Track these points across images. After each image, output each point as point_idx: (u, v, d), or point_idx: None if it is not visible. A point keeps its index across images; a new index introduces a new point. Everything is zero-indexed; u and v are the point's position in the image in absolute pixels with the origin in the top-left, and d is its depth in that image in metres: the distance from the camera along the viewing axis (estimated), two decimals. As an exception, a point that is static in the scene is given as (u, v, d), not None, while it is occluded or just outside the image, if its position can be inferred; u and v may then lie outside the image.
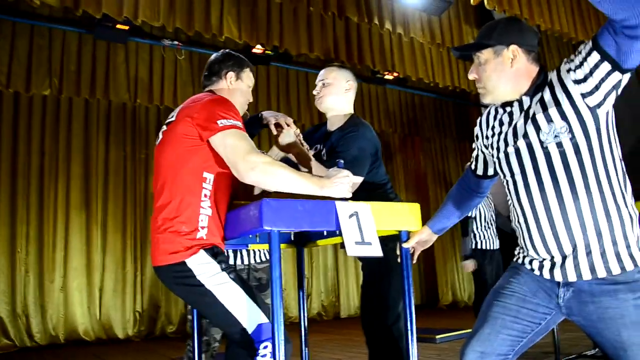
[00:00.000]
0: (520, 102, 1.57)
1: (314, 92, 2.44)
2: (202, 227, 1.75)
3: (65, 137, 6.91)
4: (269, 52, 6.96)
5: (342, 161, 1.90)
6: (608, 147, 1.44)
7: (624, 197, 1.44)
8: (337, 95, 2.40)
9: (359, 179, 2.18)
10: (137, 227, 7.26)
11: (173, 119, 1.87)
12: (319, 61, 7.41)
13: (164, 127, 1.89)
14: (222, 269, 1.73)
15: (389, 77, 7.99)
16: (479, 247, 4.49)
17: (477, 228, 4.54)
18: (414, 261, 1.94)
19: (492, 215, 4.60)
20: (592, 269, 1.42)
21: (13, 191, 6.52)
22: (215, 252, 1.76)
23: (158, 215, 1.80)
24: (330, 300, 8.73)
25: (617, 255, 1.41)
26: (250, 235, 2.12)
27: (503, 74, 1.55)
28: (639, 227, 1.44)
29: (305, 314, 2.42)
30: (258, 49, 6.84)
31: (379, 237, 1.75)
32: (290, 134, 2.18)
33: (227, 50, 2.11)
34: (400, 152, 9.93)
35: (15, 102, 6.59)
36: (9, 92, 6.32)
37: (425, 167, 10.02)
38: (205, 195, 1.77)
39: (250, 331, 1.70)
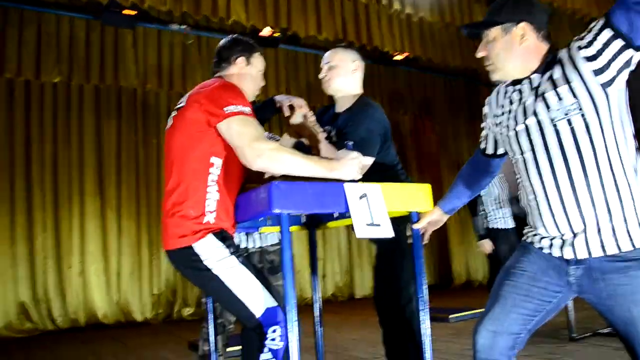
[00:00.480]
0: (530, 80, 1.56)
1: (320, 76, 2.43)
2: (210, 212, 1.77)
3: (77, 124, 6.96)
4: (277, 34, 6.93)
5: (351, 143, 1.89)
6: (620, 125, 1.42)
7: (635, 174, 1.43)
8: (344, 76, 2.38)
9: (368, 160, 2.17)
10: (151, 212, 7.33)
11: (183, 104, 1.87)
12: (327, 43, 7.36)
13: (174, 112, 1.90)
14: (231, 253, 1.75)
15: (398, 57, 7.92)
16: (492, 226, 4.46)
17: (489, 206, 4.51)
18: (425, 241, 1.95)
19: (507, 194, 4.55)
20: (603, 246, 1.42)
21: (28, 179, 6.61)
22: (223, 236, 1.77)
23: (167, 199, 1.82)
24: (344, 281, 8.79)
25: (628, 232, 1.40)
26: (261, 218, 2.14)
27: (512, 51, 1.54)
28: None
29: (319, 295, 2.45)
30: (266, 32, 6.81)
31: (390, 218, 1.76)
32: (301, 115, 2.18)
33: (235, 36, 2.10)
34: (411, 133, 9.87)
35: (26, 91, 6.65)
36: (19, 80, 6.38)
37: (436, 147, 9.97)
38: (213, 180, 1.78)
39: (258, 315, 1.72)
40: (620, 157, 1.41)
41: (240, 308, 1.73)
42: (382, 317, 2.44)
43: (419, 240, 1.92)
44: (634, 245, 1.40)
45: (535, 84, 1.53)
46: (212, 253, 1.73)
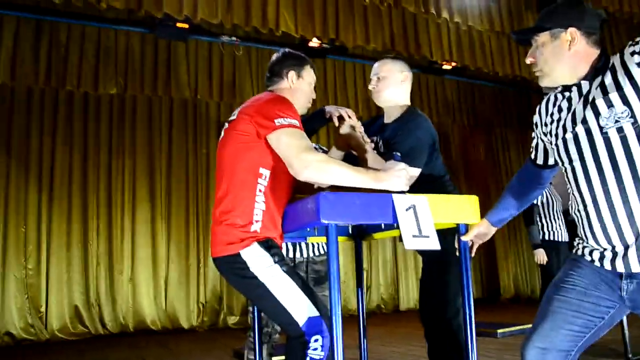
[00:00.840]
0: (579, 87, 1.52)
1: (370, 87, 2.44)
2: (257, 221, 1.80)
3: (130, 134, 7.20)
4: (326, 45, 6.98)
5: (398, 154, 1.90)
6: None
7: None
8: (393, 87, 2.38)
9: (416, 172, 2.16)
10: (199, 221, 7.48)
11: (234, 117, 1.93)
12: (375, 53, 7.37)
13: (226, 125, 1.96)
14: (275, 262, 1.77)
15: (447, 67, 7.83)
16: (546, 237, 4.35)
17: (543, 218, 4.40)
18: (473, 254, 1.92)
19: (560, 206, 4.43)
20: None
21: (84, 187, 6.87)
22: (269, 245, 1.80)
23: (217, 208, 1.87)
24: (389, 293, 8.70)
25: None
26: (309, 229, 2.15)
27: (560, 56, 1.51)
28: None
29: (364, 307, 2.43)
30: (314, 43, 6.87)
31: (437, 230, 1.74)
32: (348, 125, 2.19)
33: (286, 50, 2.14)
34: (460, 143, 9.72)
35: (84, 102, 6.93)
36: (79, 92, 6.66)
37: (485, 158, 9.78)
38: (260, 190, 1.82)
39: (301, 324, 1.73)
40: None
41: (283, 316, 1.75)
42: (427, 330, 2.41)
43: (466, 253, 1.88)
44: None
45: (584, 91, 1.50)
46: (257, 261, 1.76)
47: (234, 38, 6.84)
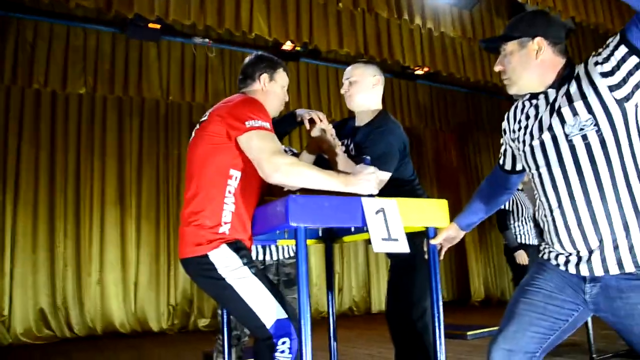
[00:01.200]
0: (546, 94, 1.56)
1: (342, 91, 2.45)
2: (225, 222, 1.80)
3: (100, 135, 7.09)
4: (299, 48, 6.99)
5: (368, 158, 1.90)
6: (638, 140, 1.41)
7: None
8: (365, 92, 2.39)
9: (386, 176, 2.17)
10: (170, 223, 7.40)
11: (206, 118, 1.92)
12: (348, 57, 7.40)
13: (197, 126, 1.95)
14: (244, 264, 1.77)
15: (419, 72, 7.92)
16: (518, 240, 4.45)
17: (514, 222, 4.50)
18: (441, 257, 1.94)
19: (529, 212, 4.54)
20: (620, 264, 1.40)
21: (51, 188, 6.73)
22: (237, 247, 1.79)
23: (185, 208, 1.87)
24: (361, 295, 8.75)
25: None
26: (278, 231, 2.15)
27: (527, 65, 1.55)
28: None
29: (334, 309, 2.44)
30: (288, 46, 6.87)
31: (406, 233, 1.75)
32: (319, 128, 2.20)
33: (260, 53, 2.14)
34: (432, 147, 9.83)
35: (52, 101, 6.80)
36: (46, 91, 6.53)
37: (457, 162, 9.91)
38: (230, 192, 1.81)
39: (268, 326, 1.73)
40: (637, 172, 1.40)
41: (251, 318, 1.75)
42: (393, 332, 2.42)
43: (435, 256, 1.90)
44: None
45: (551, 99, 1.53)
46: (225, 262, 1.75)
47: (206, 40, 6.79)
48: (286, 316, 1.74)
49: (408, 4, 5.75)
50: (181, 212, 1.91)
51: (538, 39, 1.53)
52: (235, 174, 1.83)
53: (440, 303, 1.88)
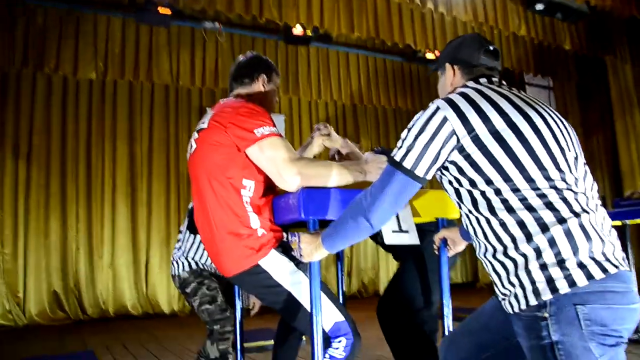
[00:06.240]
0: None
1: None
2: (258, 227, 1.76)
3: (111, 119, 7.12)
4: (310, 33, 6.95)
5: (379, 148, 1.92)
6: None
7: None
8: None
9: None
10: (180, 206, 7.45)
11: (205, 125, 1.86)
12: (359, 41, 7.36)
13: (196, 135, 1.89)
14: (296, 265, 1.75)
15: (430, 56, 7.85)
16: None
17: None
18: (450, 254, 1.94)
19: None
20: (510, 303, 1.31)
21: (63, 172, 6.79)
22: (284, 248, 1.78)
23: (206, 226, 1.81)
24: (369, 277, 8.80)
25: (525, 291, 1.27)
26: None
27: (443, 92, 1.56)
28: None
29: (343, 293, 2.52)
30: (298, 31, 6.83)
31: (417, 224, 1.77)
32: (319, 142, 2.25)
33: (255, 53, 2.12)
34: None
35: (64, 87, 6.83)
36: (58, 76, 6.55)
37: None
38: (247, 202, 1.77)
39: (327, 329, 1.72)
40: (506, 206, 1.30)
41: (309, 322, 1.70)
42: (387, 327, 2.40)
43: (443, 248, 1.92)
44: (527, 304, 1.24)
45: None
46: (279, 268, 1.74)
47: (216, 24, 6.76)
48: (343, 318, 1.74)
49: (420, -13, 5.68)
50: (200, 228, 1.86)
51: (447, 65, 1.55)
52: (249, 184, 1.79)
53: (448, 294, 1.90)
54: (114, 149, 7.11)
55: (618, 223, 3.92)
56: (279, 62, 7.22)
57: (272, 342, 2.43)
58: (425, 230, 2.06)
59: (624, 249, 3.93)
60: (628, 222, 3.91)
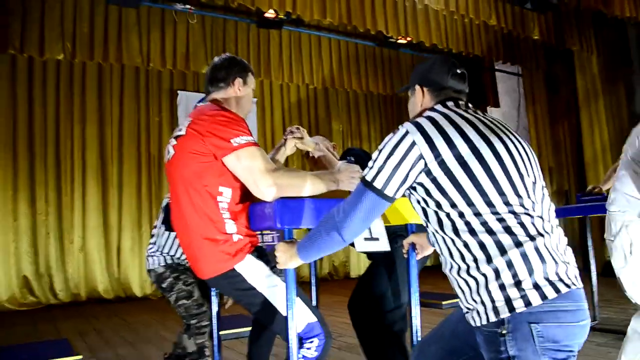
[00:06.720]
0: None
1: None
2: (234, 233, 1.81)
3: (80, 101, 7.02)
4: (282, 16, 6.90)
5: (352, 157, 1.97)
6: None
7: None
8: None
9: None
10: (151, 188, 7.44)
11: (182, 132, 1.87)
12: (332, 25, 7.34)
13: (174, 141, 1.90)
14: (271, 269, 1.81)
15: (402, 41, 7.91)
16: None
17: None
18: (419, 257, 2.01)
19: None
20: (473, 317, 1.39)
21: (31, 154, 6.69)
22: (259, 253, 1.83)
23: (185, 232, 1.85)
24: (340, 260, 8.95)
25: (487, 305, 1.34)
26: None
27: (414, 112, 1.60)
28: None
29: (316, 277, 2.61)
30: (270, 14, 6.79)
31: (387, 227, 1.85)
32: (292, 144, 2.32)
33: (230, 55, 2.10)
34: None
35: (29, 68, 6.68)
36: (23, 57, 6.39)
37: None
38: (223, 209, 1.81)
39: (299, 330, 1.78)
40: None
41: (282, 323, 1.76)
42: (360, 325, 2.46)
43: (412, 252, 2.00)
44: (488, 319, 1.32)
45: None
46: (254, 271, 1.80)
47: (187, 6, 6.67)
48: (315, 319, 1.82)
49: (392, -25, 5.70)
50: (179, 233, 1.90)
51: (417, 87, 1.58)
52: (225, 190, 1.82)
53: (418, 301, 1.99)
54: (84, 131, 7.04)
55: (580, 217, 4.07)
56: (251, 45, 7.18)
57: (248, 329, 2.48)
58: (397, 233, 2.15)
59: (584, 242, 4.14)
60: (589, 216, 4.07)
